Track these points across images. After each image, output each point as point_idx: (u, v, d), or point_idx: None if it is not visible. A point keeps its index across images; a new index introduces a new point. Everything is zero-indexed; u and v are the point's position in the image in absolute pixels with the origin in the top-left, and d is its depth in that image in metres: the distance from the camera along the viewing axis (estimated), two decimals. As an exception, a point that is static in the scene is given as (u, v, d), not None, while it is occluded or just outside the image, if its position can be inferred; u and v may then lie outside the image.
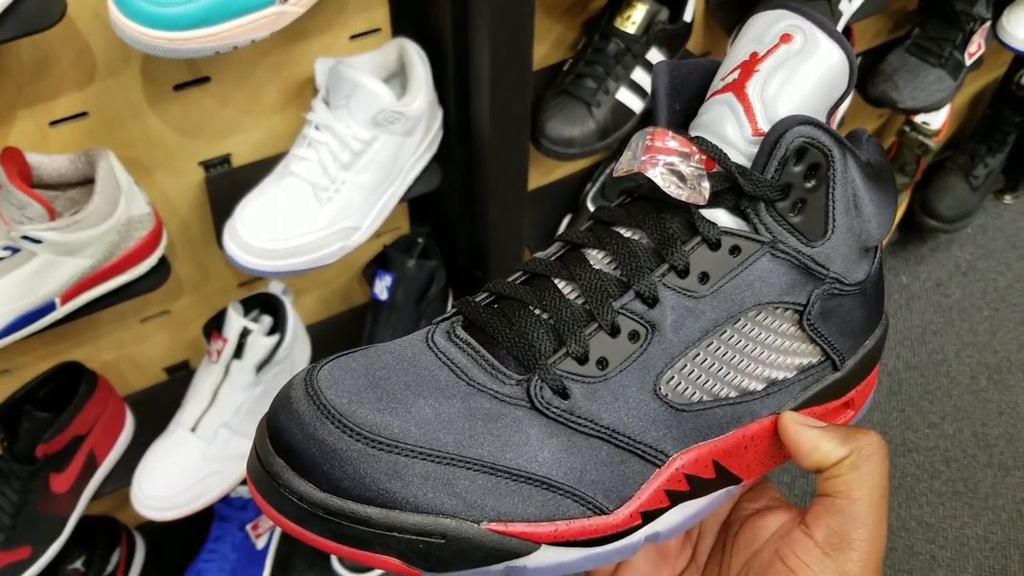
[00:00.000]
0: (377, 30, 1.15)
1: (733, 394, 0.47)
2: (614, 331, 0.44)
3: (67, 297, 1.00)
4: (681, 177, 0.44)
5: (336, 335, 1.44)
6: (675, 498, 0.46)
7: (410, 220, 1.44)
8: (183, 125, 1.09)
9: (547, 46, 1.31)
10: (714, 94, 0.47)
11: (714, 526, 0.55)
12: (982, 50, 1.68)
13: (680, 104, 0.49)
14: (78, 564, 1.35)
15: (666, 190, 0.44)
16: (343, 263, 1.14)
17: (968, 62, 1.65)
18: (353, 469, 0.39)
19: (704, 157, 0.45)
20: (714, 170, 0.45)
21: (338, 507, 0.39)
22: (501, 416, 0.42)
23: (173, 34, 0.83)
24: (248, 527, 1.46)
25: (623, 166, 0.46)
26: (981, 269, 2.27)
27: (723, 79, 0.47)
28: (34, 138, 1.00)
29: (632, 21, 1.24)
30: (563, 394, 0.43)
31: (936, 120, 1.95)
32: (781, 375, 0.48)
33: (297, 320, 1.28)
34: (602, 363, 0.44)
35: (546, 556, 0.42)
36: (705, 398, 0.46)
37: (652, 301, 0.44)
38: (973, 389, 2.01)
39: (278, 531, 1.54)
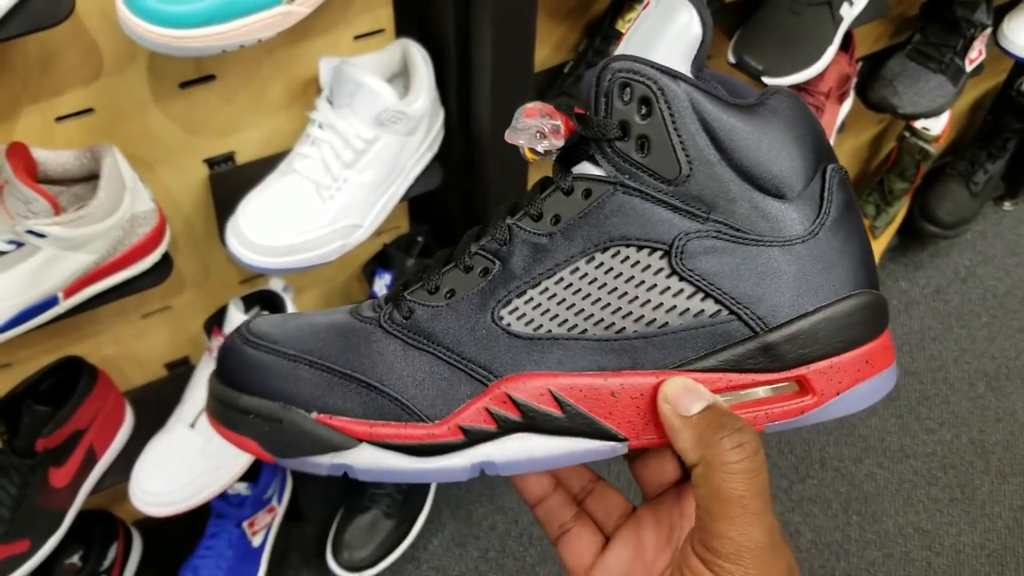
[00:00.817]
0: (381, 31, 1.15)
1: (594, 331, 0.47)
2: (467, 268, 0.49)
3: (70, 292, 1.01)
4: (541, 135, 0.48)
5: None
6: (504, 423, 0.47)
7: (410, 219, 1.45)
8: (188, 122, 1.09)
9: (549, 48, 1.32)
10: None
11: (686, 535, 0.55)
12: (983, 56, 1.69)
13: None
14: (75, 559, 1.36)
15: (529, 144, 0.48)
16: (343, 261, 1.15)
17: (969, 68, 1.66)
18: (241, 365, 0.49)
19: (562, 116, 0.48)
20: (575, 129, 0.48)
21: (224, 395, 0.49)
22: (353, 330, 0.49)
23: (180, 32, 0.83)
24: (244, 524, 1.46)
25: (520, 149, 0.50)
26: (980, 275, 2.28)
27: None
28: (40, 133, 1.00)
29: (634, 24, 1.25)
30: (407, 316, 0.49)
31: (936, 126, 1.96)
32: (660, 319, 0.47)
33: (298, 318, 1.28)
34: (450, 294, 0.49)
35: (368, 456, 0.47)
36: (554, 330, 0.48)
37: (503, 241, 0.48)
38: (971, 396, 2.02)
39: (275, 528, 1.54)
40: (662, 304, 0.47)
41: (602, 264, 0.47)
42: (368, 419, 0.47)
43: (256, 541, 1.49)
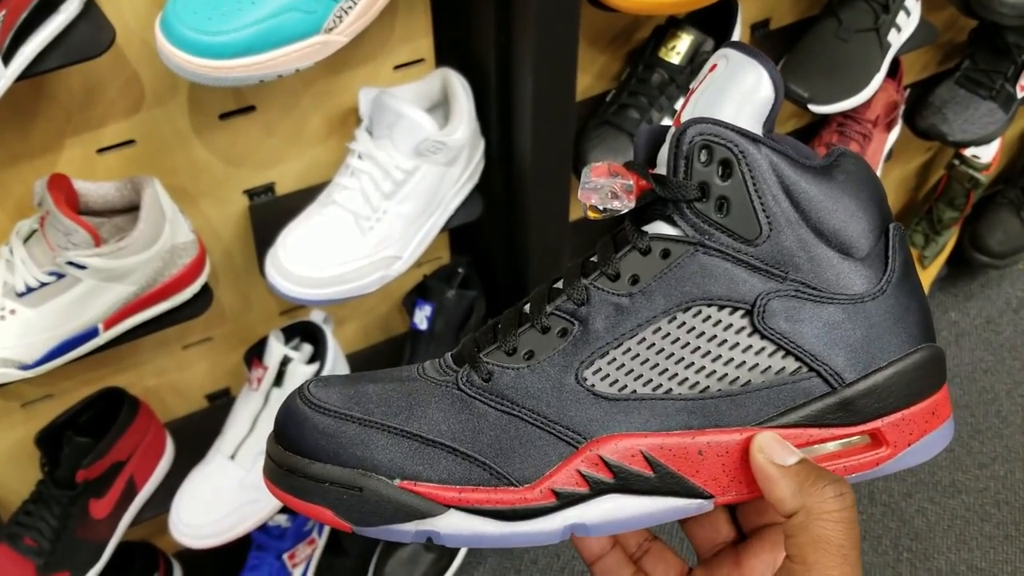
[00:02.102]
0: (421, 60, 1.15)
1: (679, 390, 0.48)
2: (544, 329, 0.49)
3: (110, 323, 1.01)
4: (614, 194, 0.48)
5: (375, 364, 1.44)
6: (596, 485, 0.47)
7: (450, 250, 1.44)
8: (228, 154, 1.09)
9: (590, 77, 1.31)
10: None
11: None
12: (1034, 83, 1.66)
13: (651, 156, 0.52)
14: (116, 590, 1.35)
15: (602, 204, 0.48)
16: (383, 292, 1.14)
17: (1020, 95, 1.63)
18: (306, 431, 0.47)
19: (634, 176, 0.48)
20: (648, 188, 0.48)
21: (290, 462, 0.47)
22: (430, 394, 0.49)
23: (219, 63, 0.84)
24: (285, 556, 1.46)
25: (583, 207, 0.50)
26: (1033, 306, 2.24)
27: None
28: (81, 165, 1.01)
29: (677, 52, 1.24)
30: (486, 378, 0.48)
31: (986, 153, 1.92)
32: (742, 377, 0.48)
33: (337, 349, 1.28)
34: (529, 355, 0.49)
35: (456, 522, 0.46)
36: (639, 390, 0.48)
37: (581, 301, 0.49)
38: (1025, 429, 1.97)
39: (315, 560, 1.53)
40: (744, 362, 0.48)
41: (684, 324, 0.48)
42: (455, 484, 0.47)
43: (296, 573, 1.48)
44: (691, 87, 0.50)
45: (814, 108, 1.30)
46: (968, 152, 1.92)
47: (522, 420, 0.48)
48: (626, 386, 0.48)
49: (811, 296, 0.48)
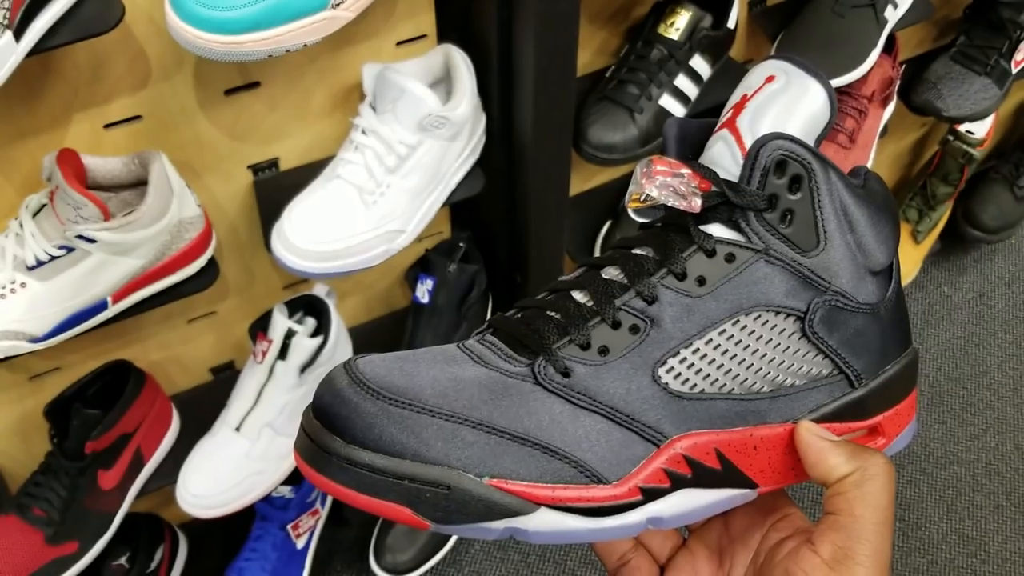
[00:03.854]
0: (423, 36, 1.16)
1: (737, 390, 0.51)
2: (615, 324, 0.49)
3: (118, 297, 1.02)
4: (677, 193, 0.50)
5: (378, 338, 1.46)
6: (676, 480, 0.49)
7: (452, 225, 1.45)
8: (233, 129, 1.10)
9: (590, 52, 1.32)
10: (713, 133, 0.53)
11: (745, 555, 0.56)
12: (1029, 58, 1.67)
13: (688, 152, 0.54)
14: (122, 560, 1.37)
15: (664, 201, 0.50)
16: (385, 267, 1.15)
17: (1014, 71, 1.64)
18: (373, 423, 0.45)
19: (698, 176, 0.50)
20: (709, 190, 0.50)
21: (356, 457, 0.44)
22: (508, 387, 0.48)
23: (228, 38, 0.84)
24: (289, 527, 1.47)
25: (630, 196, 0.52)
26: (1025, 280, 2.25)
27: (721, 121, 0.53)
28: (89, 140, 1.02)
29: (676, 28, 1.25)
30: (565, 373, 0.48)
31: (980, 129, 1.93)
32: (788, 379, 0.52)
33: (340, 322, 1.29)
34: (603, 351, 0.49)
35: (546, 519, 0.46)
36: (707, 389, 0.50)
37: (651, 299, 0.50)
38: (1016, 401, 1.99)
39: (318, 531, 1.55)
40: (792, 365, 0.52)
41: (746, 327, 0.50)
42: (546, 483, 0.46)
43: (300, 543, 1.50)
44: (742, 94, 0.52)
45: (811, 83, 1.31)
46: (962, 128, 1.93)
47: (604, 417, 0.48)
48: (696, 385, 0.50)
49: (844, 305, 0.51)
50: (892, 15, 1.36)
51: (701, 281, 0.50)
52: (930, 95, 1.63)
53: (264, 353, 1.22)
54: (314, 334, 1.26)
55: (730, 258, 0.50)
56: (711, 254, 0.50)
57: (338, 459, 0.44)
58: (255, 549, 1.46)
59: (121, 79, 1.00)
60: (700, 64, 1.28)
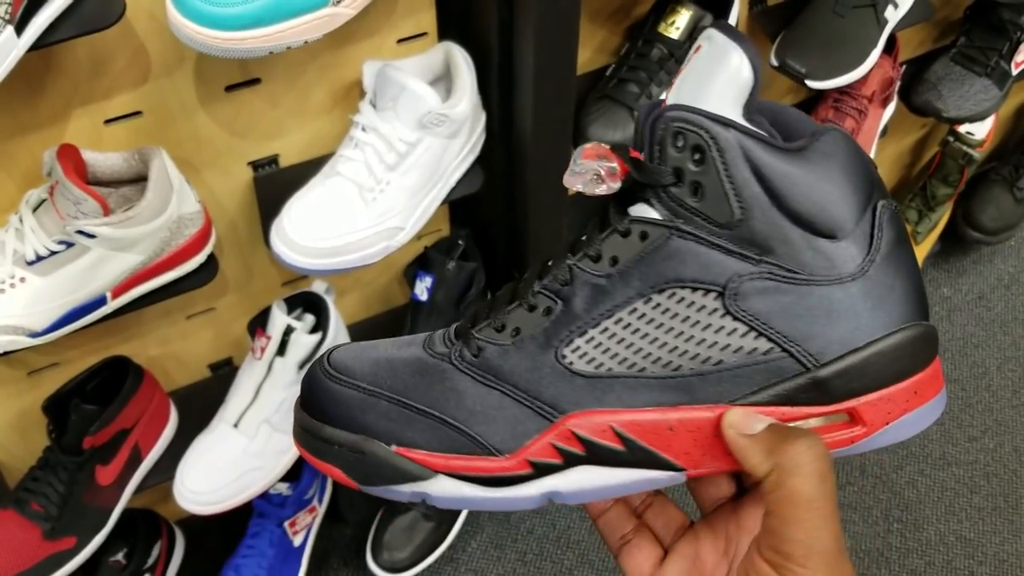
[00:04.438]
0: (424, 34, 1.16)
1: (650, 368, 0.50)
2: (531, 308, 0.51)
3: (118, 292, 1.02)
4: (597, 177, 0.50)
5: (376, 334, 1.44)
6: (569, 457, 0.50)
7: (451, 222, 1.45)
8: (233, 125, 1.10)
9: (590, 51, 1.32)
10: None
11: (750, 542, 0.55)
12: (1029, 60, 1.67)
13: None
14: (119, 556, 1.37)
15: (580, 187, 0.51)
16: (384, 264, 1.16)
17: (1015, 72, 1.64)
18: (324, 398, 0.52)
19: (618, 160, 0.50)
20: (627, 172, 0.50)
21: (309, 425, 0.52)
22: (430, 368, 0.52)
23: (229, 34, 0.84)
24: (286, 524, 1.47)
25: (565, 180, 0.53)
26: (1024, 282, 2.26)
27: None
28: (89, 136, 1.02)
29: (676, 27, 1.25)
30: (476, 354, 0.51)
31: (980, 130, 1.94)
32: (715, 357, 0.49)
33: (339, 319, 1.29)
34: (516, 332, 0.51)
35: (444, 486, 0.50)
36: (614, 368, 0.50)
37: (565, 281, 0.50)
38: (1015, 403, 1.99)
39: (315, 528, 1.55)
40: (717, 343, 0.49)
41: (659, 305, 0.49)
42: (442, 452, 0.50)
43: (297, 541, 1.50)
44: (680, 68, 0.51)
45: (811, 84, 1.32)
46: (962, 129, 1.93)
47: (504, 394, 0.50)
48: (602, 364, 0.50)
49: (785, 279, 0.48)
50: (893, 15, 1.36)
51: (614, 261, 0.49)
52: (930, 96, 1.63)
53: (263, 349, 1.22)
54: (313, 331, 1.26)
55: (643, 236, 0.49)
56: (626, 234, 0.49)
57: (302, 429, 0.53)
58: (252, 546, 1.46)
59: (122, 75, 1.00)
60: (700, 63, 1.28)
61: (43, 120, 0.99)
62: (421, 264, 1.38)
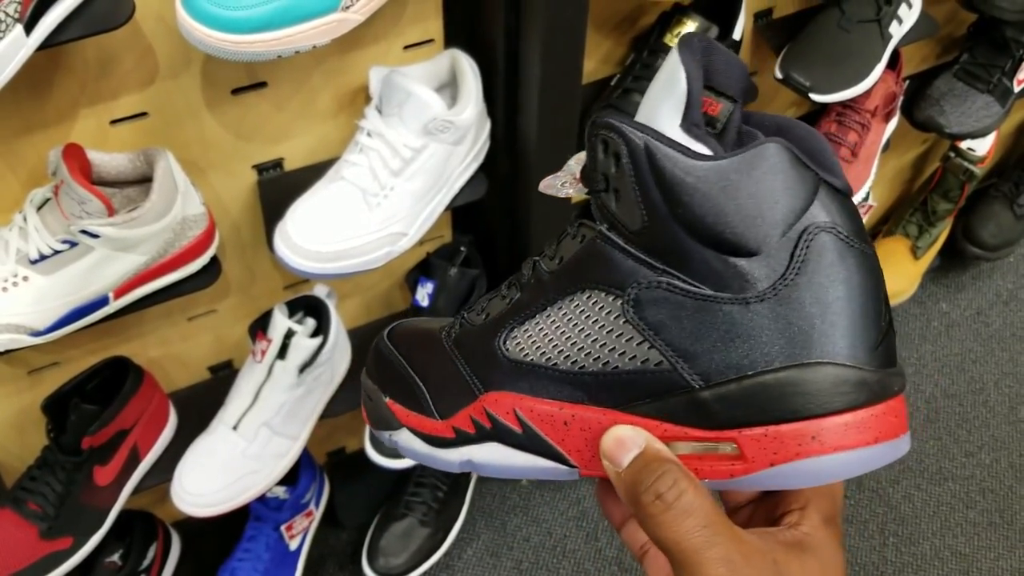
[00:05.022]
0: (430, 41, 1.16)
1: (560, 364, 0.51)
2: (503, 297, 0.55)
3: (120, 292, 1.02)
4: (573, 183, 0.55)
5: (377, 341, 1.45)
6: (479, 430, 0.54)
7: (453, 228, 1.45)
8: (239, 128, 1.11)
9: (595, 61, 1.32)
10: None
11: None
12: (1031, 77, 1.67)
13: None
14: (115, 557, 1.37)
15: (552, 192, 0.56)
16: (386, 269, 1.16)
17: (1016, 89, 1.65)
18: (372, 356, 0.62)
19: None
20: None
21: (363, 380, 0.62)
22: (431, 340, 0.58)
23: (238, 37, 0.85)
24: (282, 527, 1.47)
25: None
26: (1022, 298, 2.26)
27: None
28: (95, 136, 1.02)
29: (682, 38, 1.25)
30: (459, 330, 0.57)
31: (982, 146, 1.94)
32: (613, 362, 0.49)
33: (340, 324, 1.29)
34: (487, 316, 0.56)
35: (406, 438, 0.58)
36: (533, 359, 0.52)
37: (526, 274, 0.55)
38: (1011, 419, 1.99)
39: (312, 533, 1.55)
40: (614, 348, 0.49)
41: (577, 305, 0.51)
42: (409, 410, 0.57)
43: (293, 545, 1.50)
44: None
45: (815, 97, 1.32)
46: (964, 145, 1.94)
47: (458, 368, 0.56)
48: (527, 354, 0.53)
49: (682, 292, 0.47)
50: (897, 31, 1.37)
51: (560, 260, 0.52)
52: (932, 111, 1.63)
53: (263, 352, 1.22)
54: (314, 335, 1.26)
55: (581, 239, 0.51)
56: (574, 236, 0.52)
57: (363, 387, 0.62)
58: (248, 549, 1.46)
59: (129, 75, 1.00)
60: (705, 75, 1.28)
61: (49, 119, 0.99)
62: (423, 270, 1.38)
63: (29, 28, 0.80)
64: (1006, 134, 2.24)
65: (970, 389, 2.05)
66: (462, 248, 1.39)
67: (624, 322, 0.48)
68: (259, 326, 1.25)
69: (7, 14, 0.78)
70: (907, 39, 1.41)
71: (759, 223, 0.45)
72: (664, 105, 0.48)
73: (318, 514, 1.56)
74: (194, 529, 1.49)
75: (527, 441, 0.53)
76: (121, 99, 1.02)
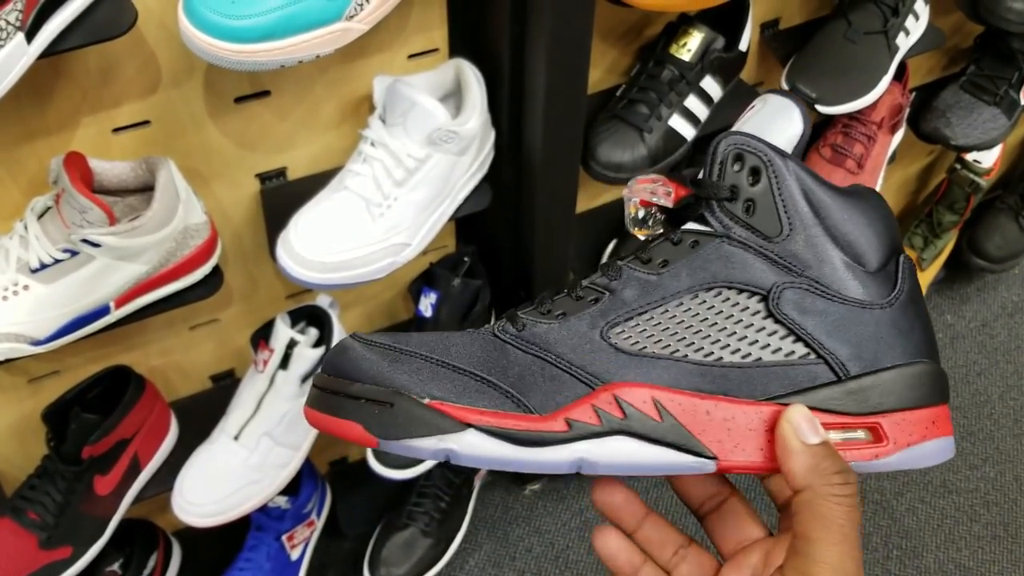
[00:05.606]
0: (435, 50, 1.16)
1: (691, 355, 0.52)
2: (578, 298, 0.54)
3: (121, 302, 1.02)
4: (655, 195, 0.56)
5: (379, 350, 1.45)
6: (607, 421, 0.50)
7: (457, 239, 1.45)
8: (242, 137, 1.10)
9: (601, 71, 1.32)
10: None
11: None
12: (1038, 90, 1.67)
13: None
14: (116, 567, 1.37)
15: (643, 200, 0.56)
16: (389, 279, 1.15)
17: (1023, 101, 1.64)
18: (352, 357, 0.51)
19: (673, 183, 0.55)
20: (686, 194, 0.55)
21: (330, 383, 0.51)
22: (466, 338, 0.53)
23: (241, 46, 0.84)
24: (284, 537, 1.47)
25: (627, 214, 0.58)
26: (1028, 311, 2.25)
27: None
28: (97, 144, 1.02)
29: (688, 48, 1.25)
30: (520, 329, 0.53)
31: (988, 158, 1.93)
32: (755, 353, 0.52)
33: (343, 333, 1.29)
34: (563, 316, 0.53)
35: (474, 440, 0.49)
36: (655, 351, 0.52)
37: (614, 277, 0.54)
38: (1016, 432, 1.98)
39: (313, 542, 1.54)
40: (757, 341, 0.53)
41: (705, 301, 0.53)
42: (478, 407, 0.50)
43: (294, 555, 1.49)
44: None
45: (821, 109, 1.31)
46: (970, 157, 1.93)
47: (547, 362, 0.52)
48: (645, 347, 0.52)
49: (822, 293, 0.52)
50: (904, 43, 1.37)
51: (664, 263, 0.54)
52: (939, 123, 1.63)
53: (265, 362, 1.22)
54: (316, 344, 1.26)
55: (694, 245, 0.54)
56: (677, 242, 0.54)
57: (323, 391, 0.52)
58: (249, 559, 1.45)
59: (131, 84, 1.00)
60: (711, 85, 1.28)
61: (51, 127, 0.99)
62: (426, 280, 1.38)
63: (30, 36, 0.80)
64: (1012, 146, 2.23)
65: (975, 402, 2.04)
66: (466, 258, 1.39)
67: (766, 317, 0.53)
68: (261, 336, 1.24)
69: (8, 22, 0.77)
70: (914, 51, 1.40)
71: (877, 245, 0.54)
72: (776, 140, 0.54)
73: (320, 524, 1.55)
74: (195, 538, 1.48)
75: (665, 432, 0.51)
76: (123, 107, 1.01)
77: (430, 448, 0.50)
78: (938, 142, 1.64)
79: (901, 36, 1.35)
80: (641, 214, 0.57)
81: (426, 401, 0.49)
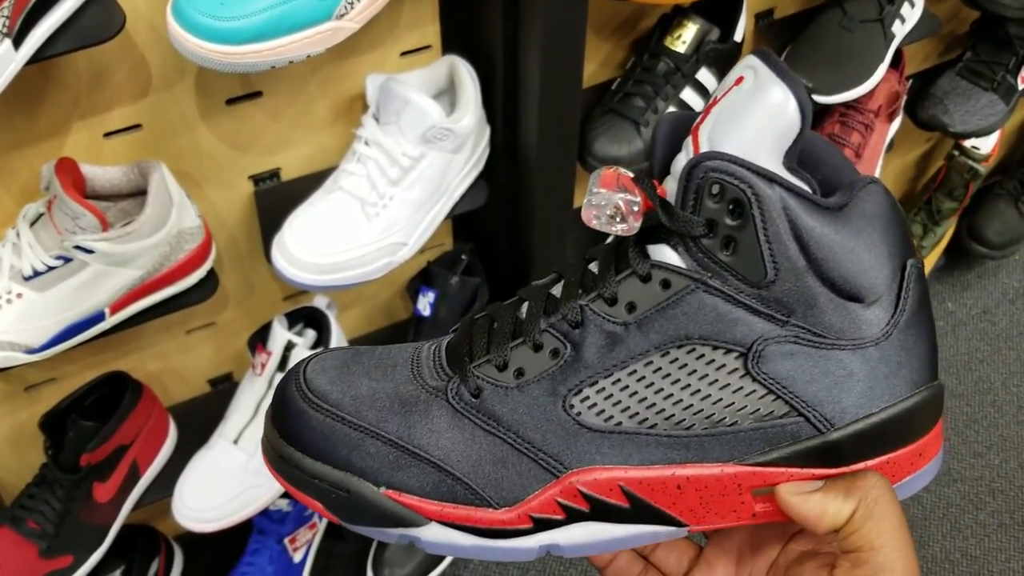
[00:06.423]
0: (428, 47, 1.15)
1: (661, 425, 0.48)
2: (536, 347, 0.48)
3: (116, 308, 1.01)
4: (617, 211, 0.47)
5: (378, 350, 1.44)
6: (572, 513, 0.48)
7: (454, 237, 1.44)
8: (234, 139, 1.09)
9: (596, 64, 1.31)
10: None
11: (764, 564, 0.54)
12: (1035, 74, 1.66)
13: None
14: (117, 574, 1.36)
15: (596, 223, 0.47)
16: (387, 279, 1.14)
17: (1021, 86, 1.63)
18: (301, 423, 0.48)
19: (642, 194, 0.47)
20: (650, 209, 0.47)
21: (287, 453, 0.49)
22: (419, 403, 0.49)
23: (230, 48, 0.83)
24: (286, 540, 1.46)
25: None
26: (1029, 297, 2.25)
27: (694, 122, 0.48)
28: (88, 149, 1.01)
29: (682, 40, 1.24)
30: (475, 394, 0.48)
31: (986, 144, 1.93)
32: (728, 418, 0.48)
33: (341, 334, 1.28)
34: (519, 373, 0.48)
35: (437, 533, 0.48)
36: (624, 422, 0.48)
37: (575, 324, 0.48)
38: (1020, 419, 1.98)
39: (315, 545, 1.54)
40: (733, 404, 0.47)
41: (676, 360, 0.47)
42: (438, 500, 0.48)
43: (297, 557, 1.48)
44: (714, 96, 0.48)
45: (818, 98, 1.31)
46: (968, 143, 1.92)
47: (505, 442, 0.48)
48: (612, 417, 0.48)
49: (810, 342, 0.47)
50: (900, 30, 1.36)
51: (631, 308, 0.47)
52: (936, 110, 1.62)
53: (263, 365, 1.21)
54: (314, 346, 1.25)
55: (665, 285, 0.47)
56: (646, 279, 0.47)
57: (276, 454, 0.49)
58: (252, 563, 1.44)
59: (121, 88, 0.99)
60: (707, 77, 1.27)
61: (42, 133, 0.98)
62: (424, 279, 1.37)
63: (18, 42, 0.79)
64: (1010, 132, 2.22)
65: (977, 389, 2.03)
66: (463, 256, 1.38)
67: (743, 376, 0.47)
68: (259, 338, 1.23)
69: (-5, 28, 0.77)
70: (910, 38, 1.39)
71: (880, 270, 0.47)
72: (763, 136, 0.45)
73: (322, 526, 1.55)
74: (197, 543, 1.47)
75: (634, 513, 0.49)
76: (114, 111, 1.00)
77: (395, 535, 0.49)
78: (936, 129, 1.63)
79: (897, 23, 1.34)
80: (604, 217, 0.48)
81: (382, 490, 0.47)
